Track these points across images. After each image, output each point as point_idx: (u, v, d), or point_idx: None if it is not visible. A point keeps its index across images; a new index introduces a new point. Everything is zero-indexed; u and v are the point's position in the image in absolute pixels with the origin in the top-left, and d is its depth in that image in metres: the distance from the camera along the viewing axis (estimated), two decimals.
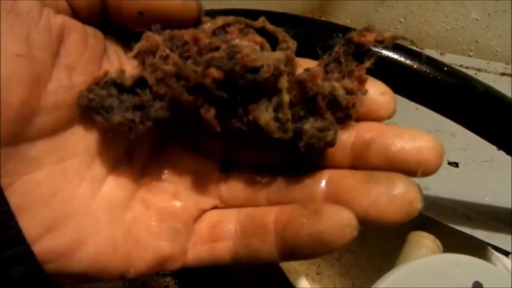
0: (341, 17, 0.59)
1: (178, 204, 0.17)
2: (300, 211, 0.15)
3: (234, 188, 0.17)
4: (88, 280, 0.15)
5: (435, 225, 0.32)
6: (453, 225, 0.30)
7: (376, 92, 0.16)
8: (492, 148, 0.24)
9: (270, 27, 0.16)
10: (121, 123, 0.15)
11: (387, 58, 0.22)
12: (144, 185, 0.17)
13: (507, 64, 0.45)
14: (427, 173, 0.15)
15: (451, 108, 0.22)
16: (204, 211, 0.17)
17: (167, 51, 0.14)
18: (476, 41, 0.48)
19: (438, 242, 0.28)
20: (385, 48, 0.22)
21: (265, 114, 0.14)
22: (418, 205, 0.14)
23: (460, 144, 0.37)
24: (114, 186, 0.16)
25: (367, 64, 0.15)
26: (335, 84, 0.14)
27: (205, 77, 0.13)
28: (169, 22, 0.15)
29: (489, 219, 0.31)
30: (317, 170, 0.16)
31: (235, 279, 0.54)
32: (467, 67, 0.47)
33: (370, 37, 0.15)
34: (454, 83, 0.21)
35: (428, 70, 0.21)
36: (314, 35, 0.23)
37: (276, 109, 0.14)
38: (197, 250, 0.17)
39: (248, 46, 0.13)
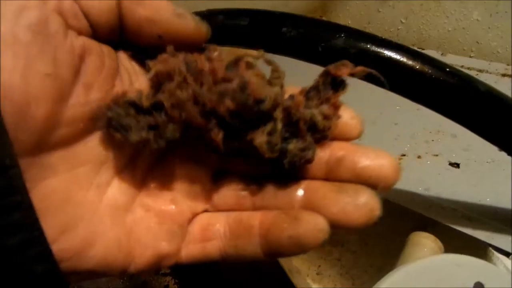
0: (343, 17, 0.59)
1: (174, 208, 0.19)
2: (282, 217, 0.17)
3: (224, 194, 0.19)
4: (95, 276, 0.17)
5: (436, 225, 0.32)
6: (454, 226, 0.31)
7: (348, 116, 0.18)
8: (493, 149, 0.24)
9: (266, 58, 0.18)
10: (138, 141, 0.17)
11: (390, 59, 0.22)
12: (144, 190, 0.19)
13: (508, 65, 0.45)
14: (386, 186, 0.17)
15: (452, 109, 0.22)
16: (196, 214, 0.19)
17: (186, 77, 0.16)
18: (478, 42, 0.48)
19: (439, 242, 0.28)
20: (388, 48, 0.22)
21: (260, 138, 0.16)
22: (378, 212, 0.17)
23: (461, 145, 0.38)
24: (118, 191, 0.18)
25: (342, 93, 0.18)
26: (315, 111, 0.17)
27: (220, 105, 0.16)
28: (183, 43, 0.17)
29: (490, 219, 0.31)
30: (296, 181, 0.19)
31: (236, 279, 0.54)
32: (468, 68, 0.47)
33: (345, 71, 0.18)
34: (456, 83, 0.21)
35: (430, 71, 0.21)
36: (316, 35, 0.23)
37: (270, 134, 0.17)
38: (190, 249, 0.19)
39: (257, 80, 0.16)
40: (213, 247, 0.18)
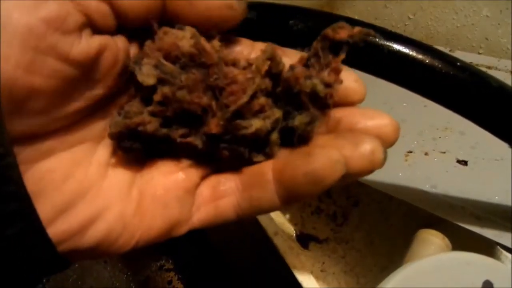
0: (350, 13, 0.58)
1: (180, 175, 0.18)
2: (293, 156, 0.17)
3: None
4: (98, 254, 0.16)
5: (443, 223, 0.31)
6: (461, 224, 0.30)
7: (351, 79, 0.18)
8: (502, 146, 0.23)
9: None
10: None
11: (398, 52, 0.21)
12: (147, 163, 0.18)
13: None
14: (385, 145, 0.17)
15: (463, 105, 0.21)
16: (204, 178, 0.19)
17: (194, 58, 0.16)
18: (487, 39, 0.47)
19: (447, 240, 0.27)
20: (397, 41, 0.22)
21: (258, 157, 0.17)
22: (381, 155, 0.16)
23: (469, 142, 0.37)
24: (120, 167, 0.17)
25: (342, 56, 0.18)
26: (315, 81, 0.17)
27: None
28: (213, 24, 0.16)
29: (498, 218, 0.30)
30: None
31: (240, 275, 0.54)
32: (477, 65, 0.46)
33: (343, 33, 0.17)
34: (467, 78, 0.21)
35: (440, 65, 0.21)
36: (324, 29, 0.23)
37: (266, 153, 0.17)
38: (202, 212, 0.18)
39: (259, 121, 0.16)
40: (227, 204, 0.17)
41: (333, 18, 0.23)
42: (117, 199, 0.16)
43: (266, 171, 0.17)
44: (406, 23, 0.54)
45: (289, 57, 0.19)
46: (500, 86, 0.21)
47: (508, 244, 0.28)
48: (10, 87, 0.12)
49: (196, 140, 0.16)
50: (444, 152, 0.37)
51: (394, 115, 0.42)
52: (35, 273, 0.15)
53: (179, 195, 0.17)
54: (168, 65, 0.15)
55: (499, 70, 0.44)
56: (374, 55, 0.22)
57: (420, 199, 0.33)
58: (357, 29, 0.18)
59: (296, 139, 0.17)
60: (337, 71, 0.17)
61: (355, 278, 0.45)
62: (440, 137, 0.39)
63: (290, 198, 0.17)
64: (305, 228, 0.50)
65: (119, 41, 0.16)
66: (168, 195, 0.17)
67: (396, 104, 0.42)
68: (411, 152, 0.37)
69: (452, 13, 0.49)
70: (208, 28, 0.16)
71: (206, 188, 0.18)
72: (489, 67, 0.45)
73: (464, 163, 0.35)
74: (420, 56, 0.21)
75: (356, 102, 0.18)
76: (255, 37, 0.25)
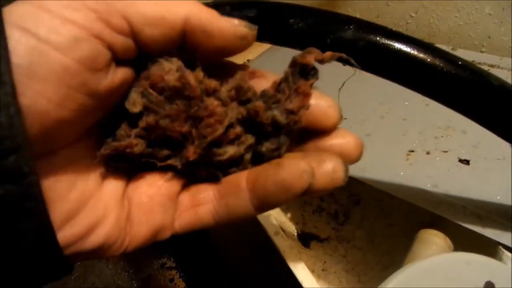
0: (351, 12, 0.58)
1: (163, 183, 0.19)
2: (265, 167, 0.18)
3: None
4: (95, 256, 0.18)
5: (444, 222, 0.31)
6: (462, 223, 0.30)
7: (324, 105, 0.19)
8: (503, 145, 0.23)
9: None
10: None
11: (400, 51, 0.21)
12: (135, 175, 0.19)
13: None
14: (349, 162, 0.18)
15: (464, 104, 0.21)
16: (185, 187, 0.20)
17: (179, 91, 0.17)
18: (489, 37, 0.47)
19: (448, 240, 0.27)
20: (398, 40, 0.21)
21: (232, 169, 0.19)
22: (342, 174, 0.17)
23: (471, 142, 0.37)
24: (113, 179, 0.19)
25: (312, 81, 0.18)
26: (275, 112, 0.18)
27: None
28: (225, 53, 0.18)
29: (499, 217, 0.30)
30: None
31: (240, 273, 0.54)
32: (479, 63, 0.46)
33: (310, 58, 0.18)
34: (469, 77, 0.21)
35: (441, 64, 0.21)
36: (324, 27, 0.23)
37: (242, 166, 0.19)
38: (183, 217, 0.19)
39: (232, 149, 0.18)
40: (205, 211, 0.19)
41: (333, 17, 0.23)
42: (113, 207, 0.18)
43: (240, 181, 0.18)
44: (408, 21, 0.53)
45: (268, 80, 0.19)
46: (501, 85, 0.21)
47: (510, 244, 0.28)
48: (41, 119, 0.14)
49: (176, 162, 0.18)
50: (446, 151, 0.37)
51: (395, 113, 0.42)
52: (42, 277, 0.16)
53: (162, 202, 0.19)
54: (154, 95, 0.16)
55: (502, 68, 0.44)
56: (375, 54, 0.22)
57: (421, 198, 0.33)
58: (327, 53, 0.18)
59: (266, 161, 0.19)
60: (306, 95, 0.18)
61: (357, 277, 0.45)
62: (442, 136, 0.38)
63: (263, 206, 0.18)
64: (306, 227, 0.50)
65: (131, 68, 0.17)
66: (152, 202, 0.19)
67: (398, 103, 0.42)
68: (412, 151, 0.37)
69: (454, 11, 0.49)
70: (219, 56, 0.18)
71: (186, 196, 0.19)
72: (491, 66, 0.45)
73: (466, 162, 0.35)
74: (421, 55, 0.21)
75: (329, 127, 0.19)
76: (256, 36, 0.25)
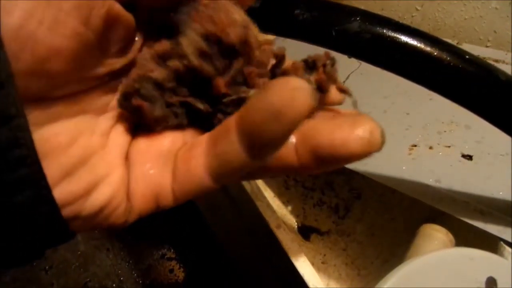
0: (356, 3, 0.57)
1: (164, 139, 0.18)
2: (252, 101, 0.14)
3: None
4: (98, 224, 0.16)
5: (446, 218, 0.31)
6: (464, 219, 0.30)
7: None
8: (507, 141, 0.23)
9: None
10: (161, 116, 0.17)
11: (406, 44, 0.21)
12: (138, 134, 0.18)
13: None
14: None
15: (471, 98, 0.21)
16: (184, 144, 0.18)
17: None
18: (495, 31, 0.47)
19: (450, 235, 0.27)
20: (404, 33, 0.21)
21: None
22: (379, 137, 0.15)
23: (475, 137, 0.37)
24: (118, 137, 0.17)
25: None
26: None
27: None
28: None
29: (502, 213, 0.30)
30: None
31: (240, 265, 0.54)
32: (484, 58, 0.46)
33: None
34: (476, 72, 0.20)
35: (448, 58, 0.21)
36: (329, 19, 0.22)
37: None
38: (178, 176, 0.17)
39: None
40: (198, 164, 0.16)
41: (339, 8, 0.23)
42: (117, 166, 0.17)
43: (230, 124, 0.15)
44: (413, 15, 0.53)
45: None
46: (508, 80, 0.20)
47: (511, 240, 0.28)
48: (32, 44, 0.12)
49: (197, 103, 0.17)
50: (449, 146, 0.37)
51: (399, 108, 0.42)
52: (39, 240, 0.15)
53: (159, 157, 0.17)
54: (211, 46, 0.15)
55: (507, 63, 0.43)
56: (381, 47, 0.21)
57: (423, 193, 0.33)
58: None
59: None
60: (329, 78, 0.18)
61: (356, 271, 0.45)
62: (445, 131, 0.38)
63: (255, 148, 0.15)
64: (307, 220, 0.50)
65: (129, 17, 0.16)
66: (149, 156, 0.17)
67: (401, 97, 0.42)
68: (415, 145, 0.37)
69: (460, 4, 0.48)
70: None
71: (182, 152, 0.17)
72: (496, 61, 0.44)
73: (469, 157, 0.35)
74: (428, 49, 0.21)
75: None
76: (259, 27, 0.25)
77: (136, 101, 0.16)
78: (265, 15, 0.23)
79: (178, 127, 0.18)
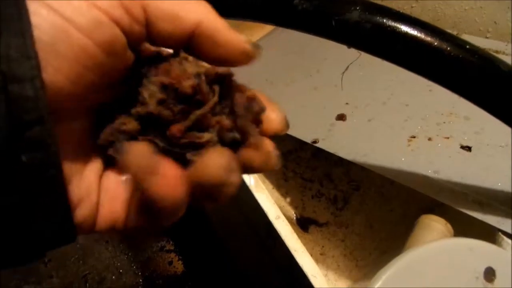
0: None
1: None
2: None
3: None
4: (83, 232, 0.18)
5: (445, 208, 0.31)
6: (463, 210, 0.30)
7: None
8: (506, 132, 0.23)
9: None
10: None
11: (407, 34, 0.21)
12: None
13: None
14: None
15: (471, 89, 0.21)
16: None
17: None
18: (495, 22, 0.46)
19: (449, 226, 0.27)
20: (405, 23, 0.21)
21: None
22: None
23: (474, 128, 0.37)
24: (95, 162, 0.19)
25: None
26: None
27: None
28: (227, 64, 0.18)
29: (500, 204, 0.30)
30: None
31: (239, 256, 0.54)
32: (484, 49, 0.45)
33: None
34: (477, 62, 0.20)
35: (449, 48, 0.20)
36: (329, 8, 0.22)
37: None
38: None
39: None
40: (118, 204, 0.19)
41: None
42: (94, 189, 0.18)
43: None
44: (413, 5, 0.52)
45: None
46: (510, 71, 0.20)
47: (510, 231, 0.28)
48: (57, 94, 0.14)
49: (156, 139, 0.19)
50: (448, 138, 0.36)
51: (398, 99, 0.41)
52: (49, 242, 0.16)
53: (122, 192, 0.19)
54: (171, 94, 0.17)
55: (507, 54, 0.43)
56: (381, 37, 0.21)
57: (422, 184, 0.33)
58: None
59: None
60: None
61: (354, 262, 0.45)
62: (444, 122, 0.38)
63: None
64: (305, 211, 0.50)
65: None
66: (115, 191, 0.19)
67: (400, 88, 0.42)
68: (414, 137, 0.37)
69: None
70: (217, 63, 0.18)
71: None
72: (496, 51, 0.44)
73: (468, 149, 0.35)
74: (428, 38, 0.21)
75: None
76: (259, 18, 0.24)
77: (111, 152, 0.18)
78: (265, 5, 0.23)
79: None
